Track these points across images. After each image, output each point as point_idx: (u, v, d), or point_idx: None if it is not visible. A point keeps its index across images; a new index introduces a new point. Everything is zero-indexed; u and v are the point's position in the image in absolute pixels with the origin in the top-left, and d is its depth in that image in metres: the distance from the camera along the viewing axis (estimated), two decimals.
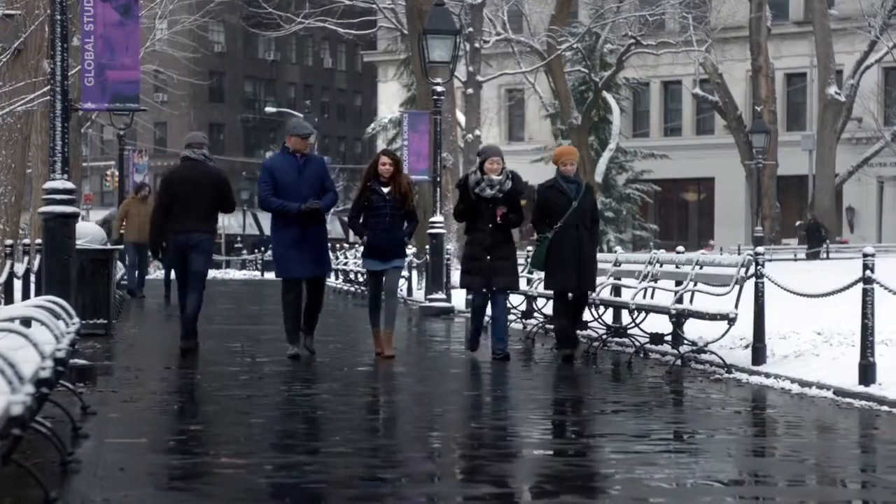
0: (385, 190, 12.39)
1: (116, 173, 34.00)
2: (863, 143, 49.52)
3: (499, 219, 12.11)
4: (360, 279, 28.48)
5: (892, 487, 6.38)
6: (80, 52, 10.81)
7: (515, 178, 12.35)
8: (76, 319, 8.16)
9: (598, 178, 41.30)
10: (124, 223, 22.71)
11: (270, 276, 37.00)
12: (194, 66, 54.42)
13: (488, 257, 12.19)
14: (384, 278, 12.65)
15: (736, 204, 52.19)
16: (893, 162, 49.54)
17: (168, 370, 11.70)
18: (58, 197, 10.03)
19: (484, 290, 12.39)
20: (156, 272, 35.58)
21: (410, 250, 27.56)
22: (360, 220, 12.54)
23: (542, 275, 13.42)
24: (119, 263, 21.81)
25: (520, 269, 13.37)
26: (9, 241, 14.65)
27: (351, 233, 63.57)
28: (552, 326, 13.32)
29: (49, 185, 10.12)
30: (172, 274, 21.44)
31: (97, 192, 68.35)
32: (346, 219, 66.92)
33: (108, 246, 15.10)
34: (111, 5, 10.40)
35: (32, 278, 14.43)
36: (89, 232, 14.90)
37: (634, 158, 53.10)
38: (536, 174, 57.63)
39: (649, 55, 45.22)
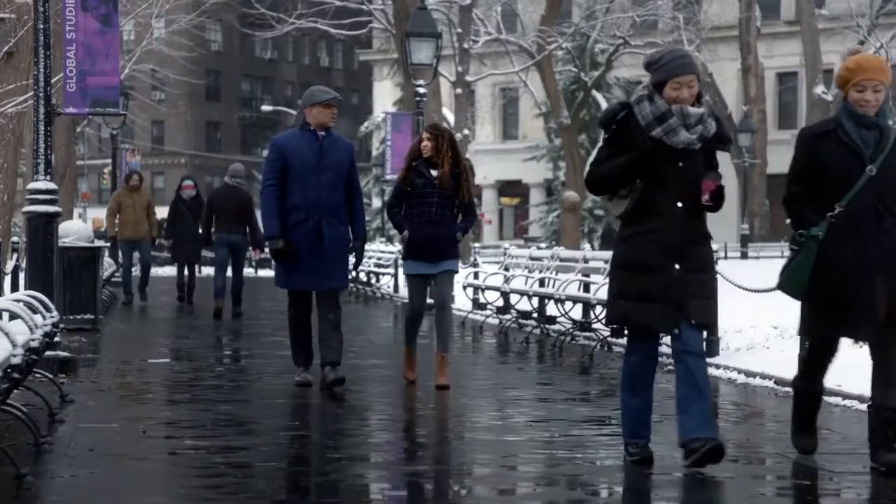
0: (434, 173, 9.88)
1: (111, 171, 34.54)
2: None
3: (706, 197, 6.49)
4: (354, 275, 28.84)
5: (797, 463, 6.95)
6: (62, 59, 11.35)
7: (718, 118, 6.67)
8: (54, 313, 8.70)
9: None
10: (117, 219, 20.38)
11: (263, 273, 37.45)
12: (191, 65, 54.95)
13: (676, 266, 6.43)
14: (432, 286, 10.14)
15: (728, 202, 52.31)
16: None
17: (149, 363, 12.20)
18: (41, 197, 10.58)
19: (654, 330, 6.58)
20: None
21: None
22: (402, 211, 10.09)
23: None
24: (110, 260, 22.29)
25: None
26: None
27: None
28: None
29: (32, 185, 10.67)
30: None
31: (94, 189, 68.92)
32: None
33: (95, 243, 15.61)
34: (92, 15, 10.94)
35: (21, 275, 14.95)
36: (77, 230, 15.43)
37: None
38: (532, 174, 58.72)
39: (642, 54, 45.72)
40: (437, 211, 9.87)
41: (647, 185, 6.50)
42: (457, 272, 10.31)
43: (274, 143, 10.12)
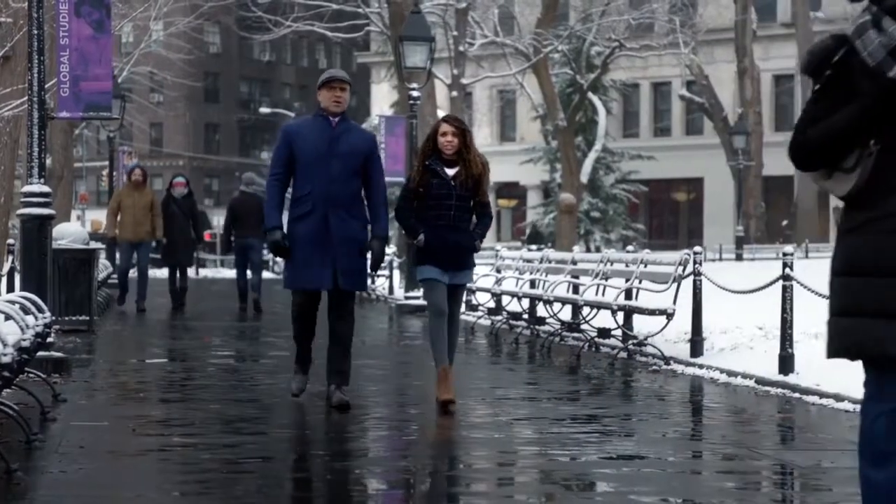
0: (450, 172, 8.90)
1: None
2: None
3: None
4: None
5: (765, 458, 7.13)
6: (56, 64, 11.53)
7: None
8: (47, 314, 8.87)
9: (584, 178, 42.01)
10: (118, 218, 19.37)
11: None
12: (189, 67, 55.12)
13: None
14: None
15: (725, 204, 52.85)
16: None
17: (142, 363, 12.39)
18: (35, 200, 10.78)
19: None
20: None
21: (391, 258, 27.59)
22: (415, 213, 9.08)
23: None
24: (106, 262, 22.42)
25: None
26: None
27: None
28: None
29: (27, 188, 10.86)
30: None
31: (93, 191, 69.10)
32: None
33: (91, 245, 15.78)
34: (85, 20, 11.12)
35: (17, 276, 15.12)
36: (72, 232, 15.61)
37: (622, 159, 53.76)
38: (529, 176, 58.79)
39: (637, 57, 45.91)
40: (456, 215, 8.91)
41: (884, 151, 4.06)
42: (467, 284, 9.52)
43: (282, 129, 9.21)
